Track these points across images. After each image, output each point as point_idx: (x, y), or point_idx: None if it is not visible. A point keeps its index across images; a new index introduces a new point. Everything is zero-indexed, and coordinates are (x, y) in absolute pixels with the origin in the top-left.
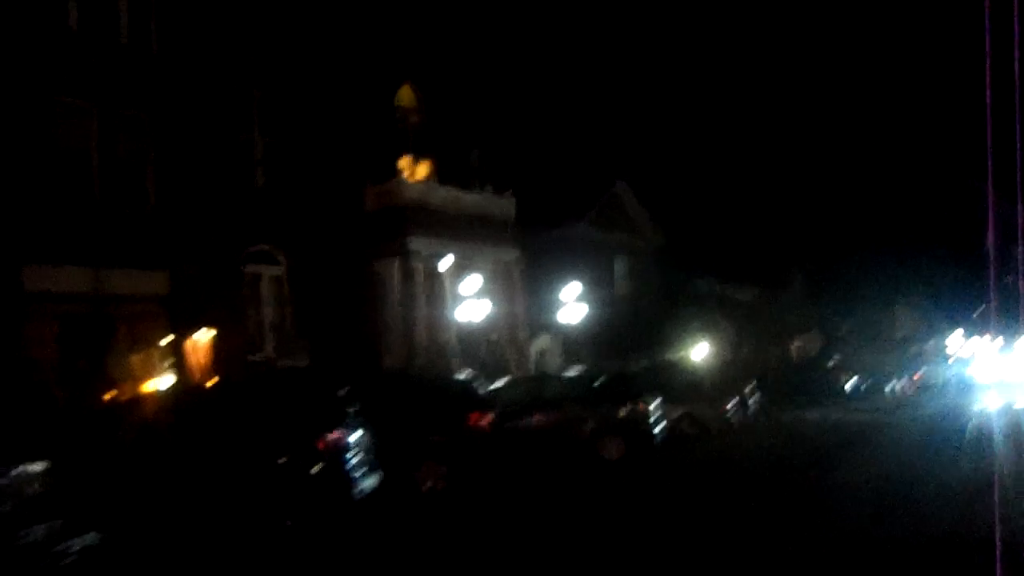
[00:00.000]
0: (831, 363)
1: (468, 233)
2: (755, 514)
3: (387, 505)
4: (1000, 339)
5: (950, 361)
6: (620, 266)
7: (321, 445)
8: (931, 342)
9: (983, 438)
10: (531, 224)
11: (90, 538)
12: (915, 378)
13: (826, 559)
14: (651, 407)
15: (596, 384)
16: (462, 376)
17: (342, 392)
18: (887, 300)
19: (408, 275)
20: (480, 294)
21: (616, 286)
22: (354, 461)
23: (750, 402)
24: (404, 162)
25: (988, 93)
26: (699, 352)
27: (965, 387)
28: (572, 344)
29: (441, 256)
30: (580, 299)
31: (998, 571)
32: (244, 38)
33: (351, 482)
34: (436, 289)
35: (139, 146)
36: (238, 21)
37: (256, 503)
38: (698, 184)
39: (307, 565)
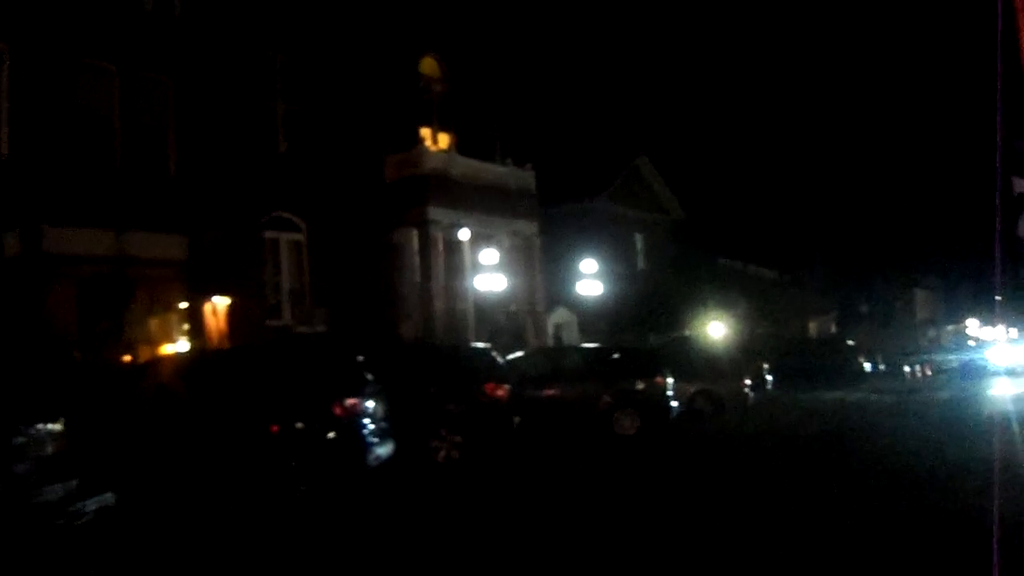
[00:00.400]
0: (848, 344)
1: (488, 205)
2: (763, 489)
3: (401, 473)
4: (1015, 328)
5: (967, 346)
6: (640, 241)
7: (337, 411)
8: (948, 327)
9: (996, 423)
10: (551, 197)
11: (106, 498)
12: (932, 361)
13: (829, 531)
14: (667, 382)
15: (613, 358)
16: (479, 346)
17: (359, 358)
18: (906, 284)
19: (427, 245)
20: (499, 266)
21: (635, 261)
22: (370, 428)
23: (767, 380)
24: (425, 132)
25: (999, 88)
26: (717, 329)
27: (980, 372)
28: (590, 318)
29: (460, 227)
30: (599, 273)
31: (995, 544)
32: (268, 3)
33: (366, 449)
34: (455, 260)
35: (161, 110)
36: None
37: (271, 467)
38: (721, 162)
39: (320, 530)
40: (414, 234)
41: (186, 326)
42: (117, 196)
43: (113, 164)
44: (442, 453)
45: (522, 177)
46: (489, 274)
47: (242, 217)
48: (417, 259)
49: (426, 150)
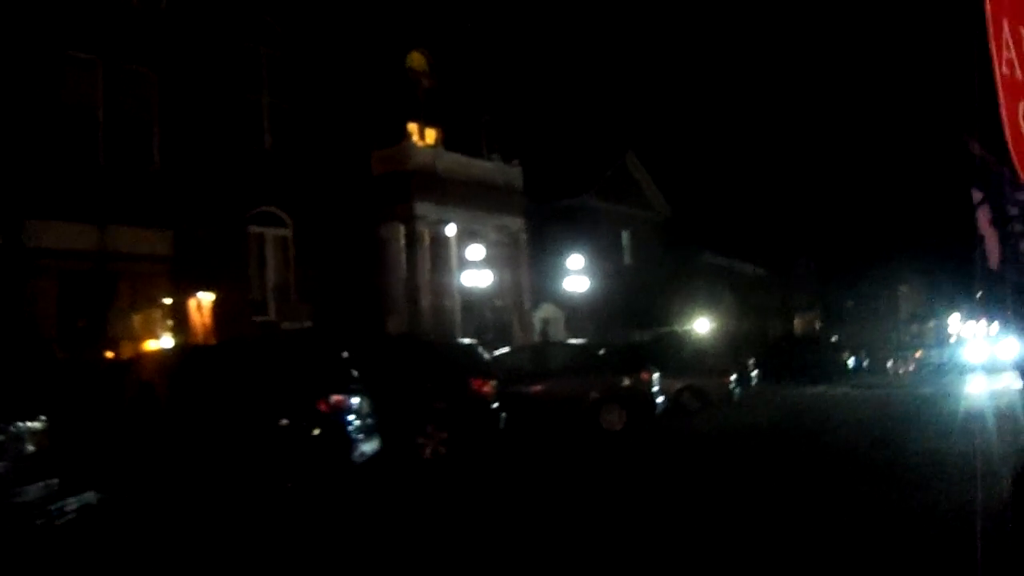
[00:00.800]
0: (833, 340)
1: (475, 200)
2: (746, 482)
3: (387, 469)
4: (995, 324)
5: (948, 342)
6: (627, 237)
7: (323, 407)
8: (931, 323)
9: (974, 417)
10: (538, 193)
11: (88, 497)
12: (915, 357)
13: (809, 521)
14: (653, 378)
15: (599, 354)
16: (465, 342)
17: (345, 355)
18: (889, 281)
19: (413, 241)
20: (485, 262)
21: (622, 257)
22: (355, 424)
23: (752, 376)
24: (412, 127)
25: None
26: (702, 325)
27: (960, 368)
28: (576, 314)
29: (447, 223)
30: (585, 269)
31: (977, 531)
32: None
33: (352, 445)
34: (441, 255)
35: (145, 103)
36: None
37: (256, 464)
38: (708, 159)
39: (305, 527)
40: (400, 230)
41: (170, 322)
42: (100, 190)
43: (97, 158)
44: (428, 449)
45: (509, 173)
46: (475, 270)
47: (227, 212)
48: (403, 255)
49: (413, 145)
